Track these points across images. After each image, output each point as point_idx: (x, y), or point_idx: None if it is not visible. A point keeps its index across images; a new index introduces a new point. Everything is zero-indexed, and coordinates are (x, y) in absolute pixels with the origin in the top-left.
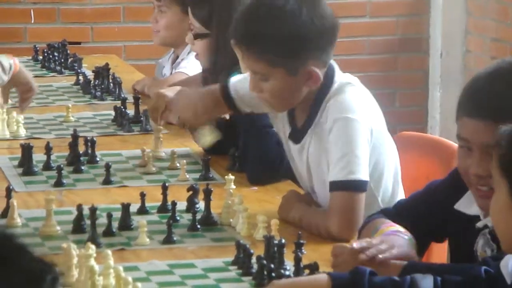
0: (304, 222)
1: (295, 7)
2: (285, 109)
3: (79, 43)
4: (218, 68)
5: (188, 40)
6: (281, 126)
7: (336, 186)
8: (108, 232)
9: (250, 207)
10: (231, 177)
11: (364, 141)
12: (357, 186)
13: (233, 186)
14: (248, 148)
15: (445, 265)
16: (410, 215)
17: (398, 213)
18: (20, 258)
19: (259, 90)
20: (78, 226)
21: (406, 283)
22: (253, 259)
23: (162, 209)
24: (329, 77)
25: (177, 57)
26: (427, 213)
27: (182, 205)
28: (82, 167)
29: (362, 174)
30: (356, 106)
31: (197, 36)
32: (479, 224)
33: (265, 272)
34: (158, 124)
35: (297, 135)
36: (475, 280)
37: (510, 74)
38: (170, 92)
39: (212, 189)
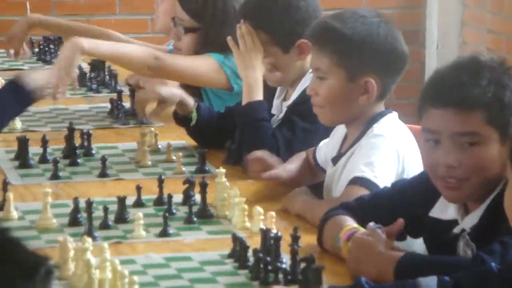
0: (308, 215)
1: (376, 20)
2: (334, 120)
3: None
4: None
5: (174, 36)
6: (331, 150)
7: (356, 180)
8: (104, 225)
9: (246, 200)
10: (222, 170)
11: (392, 158)
12: (375, 189)
13: (223, 179)
14: (244, 141)
15: (444, 258)
16: (377, 216)
17: (363, 211)
18: (13, 251)
19: (315, 92)
20: (74, 219)
21: (409, 284)
22: (250, 252)
23: (158, 202)
24: (384, 112)
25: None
26: (399, 217)
27: (178, 198)
28: (78, 160)
29: (383, 184)
30: (392, 134)
31: (188, 30)
32: (456, 230)
33: (262, 265)
34: (141, 116)
35: (337, 159)
36: (488, 275)
37: (471, 65)
38: (164, 89)
39: (208, 182)
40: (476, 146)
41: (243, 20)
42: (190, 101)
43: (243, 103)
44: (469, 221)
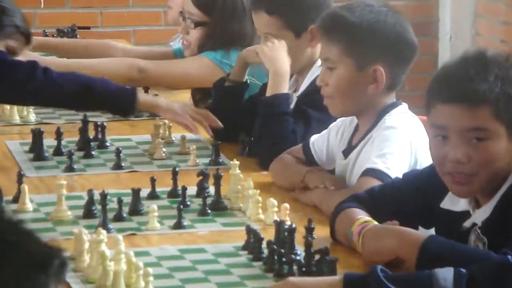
0: (324, 206)
1: (384, 9)
2: (344, 111)
3: (88, 27)
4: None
5: (183, 30)
6: (340, 143)
7: (368, 172)
8: (119, 217)
9: (260, 192)
10: (236, 162)
11: (404, 150)
12: (387, 180)
13: (237, 171)
14: (265, 133)
15: (463, 247)
16: (388, 207)
17: (373, 202)
18: (27, 243)
19: (325, 83)
20: (88, 211)
21: (425, 274)
22: (264, 244)
23: (173, 194)
24: (395, 103)
25: None
26: (410, 208)
27: (192, 190)
28: (93, 152)
29: (396, 175)
30: (404, 125)
31: (198, 24)
32: (467, 224)
33: (276, 257)
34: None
35: (348, 151)
36: (504, 267)
37: (478, 60)
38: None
39: (222, 174)
40: (484, 141)
41: (258, 5)
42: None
43: (268, 93)
44: (480, 215)
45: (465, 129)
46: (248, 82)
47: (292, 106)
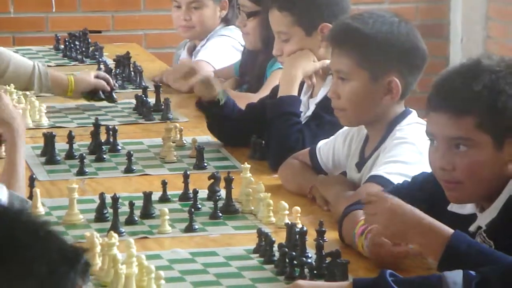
0: (333, 208)
1: (396, 19)
2: (358, 121)
3: (99, 31)
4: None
5: (240, 23)
6: (348, 152)
7: (372, 178)
8: (130, 221)
9: (271, 195)
10: (247, 165)
11: (412, 160)
12: (388, 184)
13: (248, 174)
14: (271, 133)
15: (487, 249)
16: None
17: None
18: (57, 240)
19: (337, 96)
20: (100, 215)
21: (434, 277)
22: (275, 247)
23: (184, 197)
24: (405, 112)
25: (194, 45)
26: (419, 209)
27: (203, 193)
28: (104, 156)
29: (397, 180)
30: (414, 137)
31: (250, 15)
32: (472, 228)
33: (287, 260)
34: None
35: (361, 164)
36: None
37: (470, 70)
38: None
39: (233, 177)
40: (468, 150)
41: (272, 3)
42: (217, 86)
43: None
44: (485, 218)
45: (450, 138)
46: None
47: (309, 112)
